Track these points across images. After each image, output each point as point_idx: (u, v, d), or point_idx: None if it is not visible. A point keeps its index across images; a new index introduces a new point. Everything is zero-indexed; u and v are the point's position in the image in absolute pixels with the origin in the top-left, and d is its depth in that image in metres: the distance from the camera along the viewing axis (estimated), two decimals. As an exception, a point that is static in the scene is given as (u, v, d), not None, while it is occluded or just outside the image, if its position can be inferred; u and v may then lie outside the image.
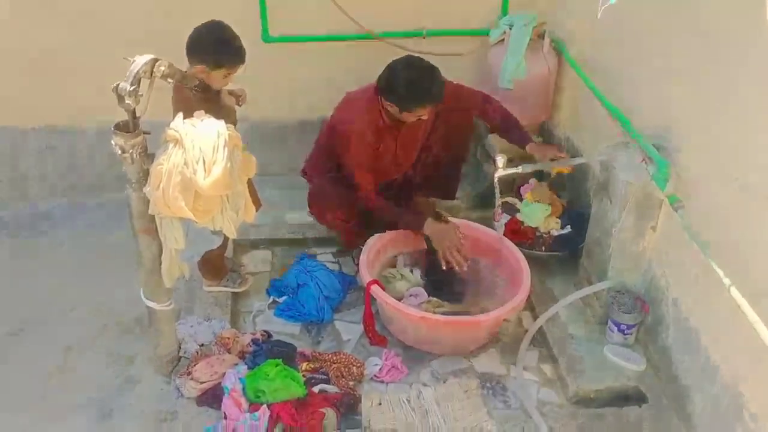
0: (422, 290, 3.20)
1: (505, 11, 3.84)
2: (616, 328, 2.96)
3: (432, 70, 3.02)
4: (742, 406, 2.33)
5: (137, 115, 2.25)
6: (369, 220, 3.33)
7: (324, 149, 3.38)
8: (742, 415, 2.33)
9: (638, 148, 2.80)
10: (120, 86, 2.16)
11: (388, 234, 3.31)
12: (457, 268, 3.10)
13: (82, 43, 3.64)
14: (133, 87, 2.16)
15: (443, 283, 3.24)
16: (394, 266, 3.36)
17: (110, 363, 2.94)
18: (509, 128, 3.35)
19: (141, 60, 2.21)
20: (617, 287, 2.99)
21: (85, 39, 3.63)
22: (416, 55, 3.18)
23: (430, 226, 3.14)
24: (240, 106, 3.00)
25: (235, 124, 2.93)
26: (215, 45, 2.68)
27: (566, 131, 3.90)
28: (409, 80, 2.99)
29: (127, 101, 2.18)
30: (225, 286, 3.24)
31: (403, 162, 3.40)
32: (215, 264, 3.19)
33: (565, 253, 3.43)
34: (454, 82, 3.30)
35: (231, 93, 2.96)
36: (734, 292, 2.19)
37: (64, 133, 3.87)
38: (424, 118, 3.11)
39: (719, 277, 2.26)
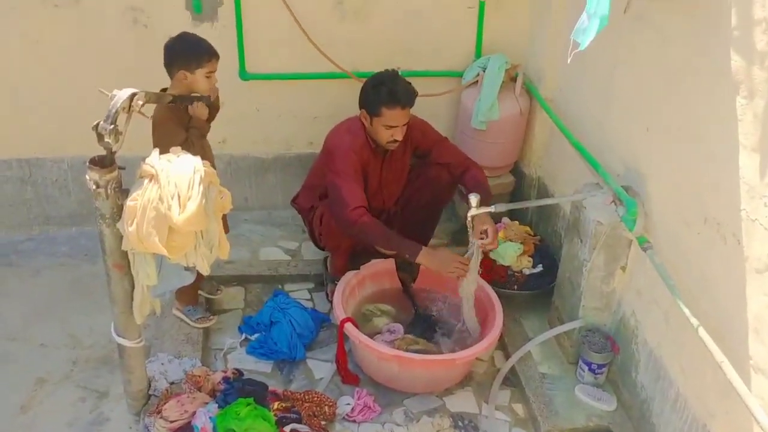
0: (400, 326, 3.20)
1: (478, 53, 3.93)
2: (587, 368, 2.99)
3: (396, 74, 3.13)
4: (710, 445, 2.36)
5: (114, 150, 2.25)
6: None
7: (316, 175, 3.38)
8: (710, 454, 2.35)
9: (608, 188, 2.86)
10: (100, 125, 2.17)
11: (364, 270, 3.32)
12: (459, 277, 3.08)
13: (57, 76, 3.63)
14: (113, 126, 2.17)
15: (429, 322, 3.25)
16: (373, 302, 3.35)
17: (80, 399, 2.89)
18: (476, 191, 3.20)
19: (121, 95, 2.22)
20: (588, 326, 3.03)
21: (61, 72, 3.63)
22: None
23: (424, 256, 3.07)
24: (212, 100, 2.99)
25: (212, 160, 2.96)
26: (189, 46, 2.85)
27: (537, 171, 3.97)
28: (374, 83, 3.11)
29: (106, 140, 2.18)
30: (185, 315, 3.23)
31: (385, 197, 3.42)
32: (189, 289, 3.16)
33: (537, 291, 3.46)
34: (442, 135, 3.41)
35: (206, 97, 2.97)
36: (702, 332, 2.23)
37: (37, 166, 3.84)
38: (398, 137, 3.13)
39: (687, 317, 2.30)
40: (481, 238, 3.02)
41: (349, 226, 3.07)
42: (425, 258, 3.07)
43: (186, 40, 2.87)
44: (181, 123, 2.86)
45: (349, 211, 3.05)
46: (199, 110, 2.89)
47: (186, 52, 2.83)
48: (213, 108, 2.99)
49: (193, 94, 2.87)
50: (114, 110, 2.18)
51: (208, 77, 2.85)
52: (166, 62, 2.85)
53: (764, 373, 2.09)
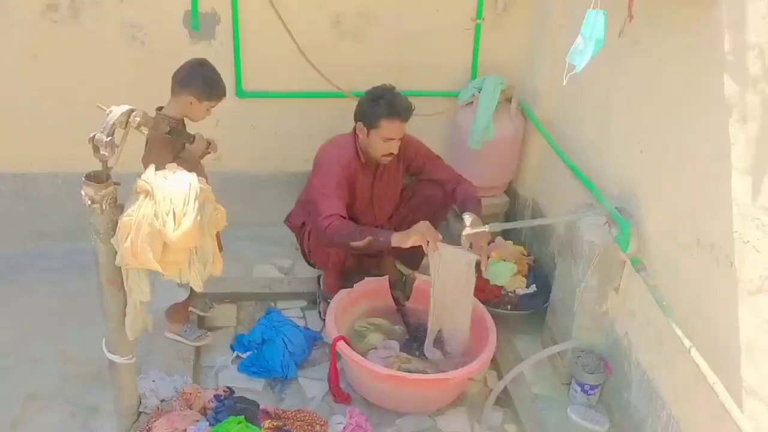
0: (396, 344, 3.19)
1: (474, 74, 3.96)
2: (579, 389, 2.98)
3: (393, 88, 3.16)
4: (703, 467, 2.35)
5: (110, 165, 2.25)
6: (360, 262, 3.34)
7: (307, 192, 3.37)
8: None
9: (602, 209, 2.88)
10: (96, 137, 2.17)
11: (357, 288, 3.32)
12: (430, 248, 2.96)
13: (54, 91, 3.64)
14: (110, 138, 2.17)
15: (423, 341, 3.24)
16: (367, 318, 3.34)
17: (71, 415, 2.86)
18: (468, 207, 3.21)
19: (118, 110, 2.22)
20: (581, 347, 3.02)
21: (57, 87, 3.64)
22: None
23: (397, 236, 2.99)
24: (210, 153, 3.10)
25: (207, 179, 2.96)
26: (211, 81, 2.90)
27: (532, 192, 3.99)
28: (373, 96, 3.14)
29: (102, 152, 2.18)
30: (182, 336, 3.21)
31: (377, 213, 3.41)
32: (180, 309, 3.17)
33: (531, 312, 3.46)
34: (435, 153, 3.43)
35: (208, 140, 3.07)
36: (694, 353, 2.24)
37: (31, 180, 3.83)
38: (393, 150, 3.15)
39: (680, 338, 2.31)
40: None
41: (321, 234, 3.08)
42: (399, 238, 2.99)
43: (208, 73, 2.91)
44: (173, 150, 2.88)
45: (320, 219, 3.06)
46: (198, 147, 2.99)
47: (205, 85, 2.87)
48: (209, 150, 3.08)
49: (188, 129, 2.95)
50: (111, 123, 2.19)
51: (208, 110, 2.93)
52: (179, 81, 2.86)
53: (757, 395, 2.09)
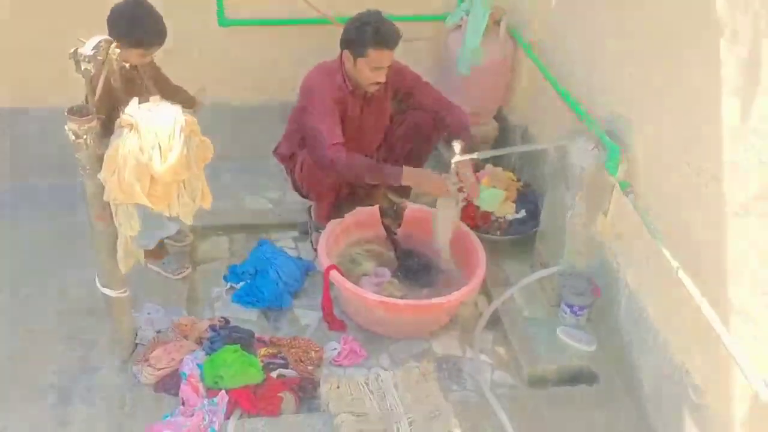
0: (386, 270, 3.23)
1: (462, -3, 3.87)
2: (568, 310, 3.04)
3: (380, 13, 3.07)
4: (687, 381, 2.42)
5: (91, 98, 2.22)
6: (353, 192, 3.36)
7: (295, 121, 3.34)
8: (687, 390, 2.42)
9: (591, 134, 2.86)
10: (79, 50, 2.11)
11: (349, 218, 3.33)
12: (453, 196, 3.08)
13: (33, 25, 3.54)
14: (94, 51, 2.12)
15: (415, 267, 3.29)
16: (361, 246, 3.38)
17: (70, 348, 2.90)
18: (459, 134, 3.21)
19: (100, 36, 2.17)
20: (570, 270, 3.06)
21: (35, 21, 3.53)
22: None
23: (409, 176, 3.06)
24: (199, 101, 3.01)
25: (192, 106, 2.90)
26: (131, 24, 2.66)
27: (521, 117, 3.96)
28: (359, 23, 3.04)
29: (85, 66, 2.12)
30: (161, 269, 3.23)
31: (366, 142, 3.38)
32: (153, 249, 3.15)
33: (520, 237, 3.49)
34: (422, 78, 3.36)
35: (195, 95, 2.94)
36: (681, 275, 2.27)
37: (15, 115, 3.77)
38: (381, 79, 3.10)
39: (668, 259, 2.34)
40: (461, 189, 3.03)
41: (328, 163, 3.04)
42: (409, 177, 3.06)
43: (133, 17, 2.65)
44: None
45: (326, 149, 3.02)
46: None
47: (127, 32, 2.63)
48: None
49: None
50: (95, 42, 2.12)
51: (142, 56, 2.71)
52: (107, 24, 2.65)
53: (742, 313, 2.14)
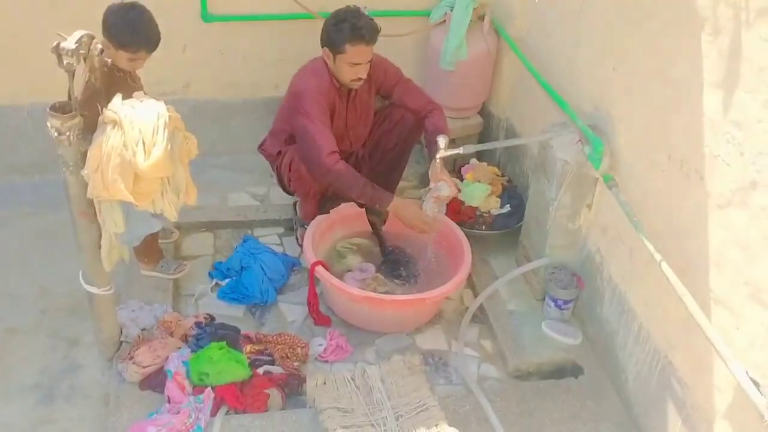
0: (371, 266, 3.23)
1: (446, -8, 3.87)
2: (553, 304, 3.06)
3: (358, 9, 3.08)
4: (671, 373, 2.45)
5: (74, 93, 2.19)
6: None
7: (282, 120, 3.33)
8: (670, 381, 2.45)
9: (575, 128, 2.88)
10: (61, 45, 2.08)
11: (334, 214, 3.32)
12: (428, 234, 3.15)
13: (12, 20, 3.51)
14: (76, 45, 2.10)
15: (399, 263, 3.29)
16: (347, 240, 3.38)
17: (53, 346, 2.89)
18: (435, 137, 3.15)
19: (82, 31, 2.15)
20: (554, 264, 3.08)
21: (18, 18, 3.50)
22: None
23: (396, 206, 3.12)
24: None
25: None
26: (122, 27, 2.62)
27: (506, 112, 3.97)
28: (336, 19, 3.05)
29: (67, 61, 2.10)
30: (160, 272, 3.20)
31: (352, 139, 3.39)
32: (149, 247, 3.14)
33: (505, 231, 3.50)
34: (404, 74, 3.36)
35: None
36: (665, 266, 2.29)
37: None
38: (362, 75, 3.10)
39: (651, 252, 2.36)
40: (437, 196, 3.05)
41: (324, 172, 3.06)
42: (396, 208, 3.13)
43: (126, 20, 2.61)
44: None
45: (324, 156, 3.03)
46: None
47: (117, 34, 2.60)
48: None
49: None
50: (77, 36, 2.10)
51: (131, 61, 2.67)
52: (102, 23, 2.62)
53: (724, 305, 2.16)
